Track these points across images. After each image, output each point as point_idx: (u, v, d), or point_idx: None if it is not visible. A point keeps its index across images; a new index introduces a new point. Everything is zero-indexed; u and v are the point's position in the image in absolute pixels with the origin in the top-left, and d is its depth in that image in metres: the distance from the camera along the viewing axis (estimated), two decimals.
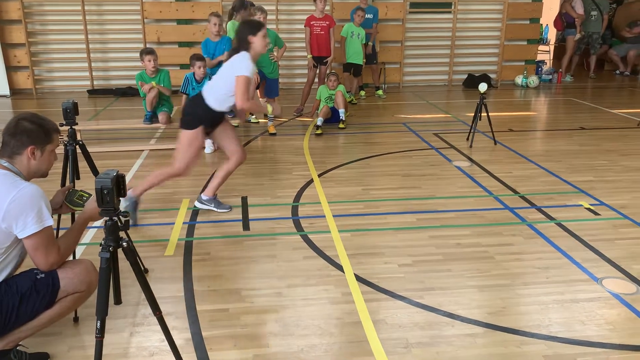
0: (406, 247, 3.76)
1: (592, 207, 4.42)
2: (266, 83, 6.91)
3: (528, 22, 10.59)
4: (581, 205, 4.47)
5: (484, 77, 10.24)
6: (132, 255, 2.21)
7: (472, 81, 10.27)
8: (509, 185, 4.96)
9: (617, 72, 12.13)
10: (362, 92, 9.46)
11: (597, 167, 5.48)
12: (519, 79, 10.43)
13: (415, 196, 4.73)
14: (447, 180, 5.14)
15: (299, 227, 4.09)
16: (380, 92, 9.61)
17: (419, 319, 2.91)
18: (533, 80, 10.32)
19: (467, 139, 6.37)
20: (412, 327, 2.83)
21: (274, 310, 3.00)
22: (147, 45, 9.06)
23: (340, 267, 3.45)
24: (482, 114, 6.21)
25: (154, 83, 5.92)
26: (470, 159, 5.76)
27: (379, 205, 4.53)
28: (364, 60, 8.64)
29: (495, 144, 6.33)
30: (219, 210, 4.34)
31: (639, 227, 4.06)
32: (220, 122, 4.16)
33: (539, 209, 4.39)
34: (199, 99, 4.05)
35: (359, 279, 3.31)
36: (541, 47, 11.52)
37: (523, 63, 10.71)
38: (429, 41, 10.52)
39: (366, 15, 8.57)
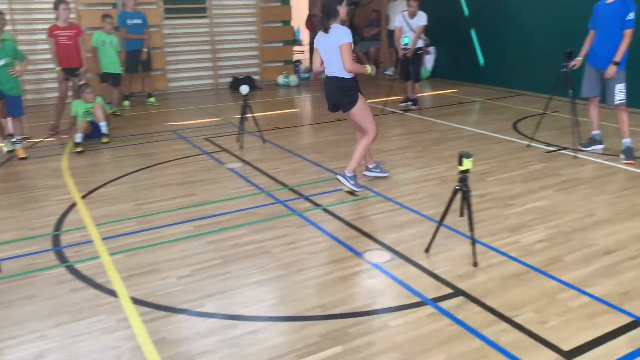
0: (184, 257, 3.67)
1: (350, 190, 4.87)
2: (6, 101, 6.09)
3: (281, 24, 11.23)
4: (341, 189, 4.90)
5: (248, 79, 10.57)
6: None
7: (237, 84, 10.48)
8: (279, 180, 5.20)
9: None
10: (127, 102, 8.99)
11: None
12: (281, 79, 11.01)
13: (191, 204, 4.66)
14: (222, 183, 5.17)
15: (62, 258, 3.69)
16: (152, 99, 9.30)
17: (201, 328, 2.86)
18: (293, 79, 10.99)
19: (237, 140, 6.50)
20: (194, 338, 2.78)
21: (38, 355, 2.66)
22: None
23: (113, 293, 3.22)
24: (247, 115, 6.40)
25: None
26: (242, 160, 5.89)
27: (153, 219, 4.35)
28: (123, 68, 8.21)
29: (264, 142, 6.58)
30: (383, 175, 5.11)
31: (388, 201, 4.61)
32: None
33: (307, 198, 4.69)
34: (339, 81, 4.58)
35: (135, 301, 3.12)
36: (297, 48, 12.34)
37: (282, 64, 11.33)
38: (190, 46, 10.47)
39: (135, 21, 8.60)
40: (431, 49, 11.52)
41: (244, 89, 6.29)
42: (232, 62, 10.86)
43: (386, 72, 12.18)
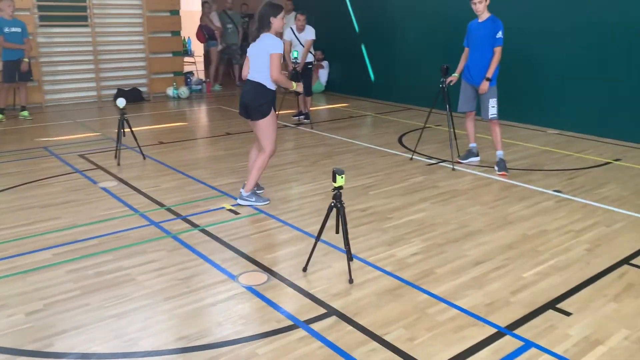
0: (37, 290, 3.30)
1: (233, 208, 4.70)
2: None
3: (170, 34, 10.84)
4: (223, 207, 4.71)
5: (134, 91, 10.08)
6: None
7: (122, 96, 9.91)
8: (156, 199, 4.91)
9: None
10: (1, 116, 8.27)
11: (239, 169, 5.90)
12: (170, 91, 10.61)
13: (54, 228, 4.25)
14: (92, 204, 4.78)
15: None
16: (25, 113, 8.56)
17: None
18: (184, 91, 10.64)
19: (115, 157, 6.10)
20: None
21: None
22: None
23: None
24: (125, 130, 6.03)
25: None
26: (118, 178, 5.52)
27: (6, 247, 3.90)
28: None
29: (144, 158, 6.23)
30: (259, 204, 4.74)
31: (271, 218, 4.49)
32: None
33: (184, 219, 4.46)
34: (259, 87, 4.48)
35: None
36: (188, 59, 11.98)
37: (172, 75, 10.93)
38: (70, 56, 9.80)
39: (13, 29, 8.13)
40: (325, 63, 11.67)
41: (121, 102, 5.92)
42: (117, 73, 10.30)
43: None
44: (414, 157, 6.40)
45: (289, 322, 2.98)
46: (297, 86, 4.76)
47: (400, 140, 7.32)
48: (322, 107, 10.28)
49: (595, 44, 7.32)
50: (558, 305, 3.17)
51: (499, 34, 5.71)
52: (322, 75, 11.66)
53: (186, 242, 4.00)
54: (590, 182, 5.48)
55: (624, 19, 6.98)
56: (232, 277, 3.48)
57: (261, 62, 4.48)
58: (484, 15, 5.79)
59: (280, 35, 4.65)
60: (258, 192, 4.98)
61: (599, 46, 7.28)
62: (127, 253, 3.81)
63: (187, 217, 4.48)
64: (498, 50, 5.73)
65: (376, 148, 6.92)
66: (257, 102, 4.55)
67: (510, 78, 7.29)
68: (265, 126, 4.62)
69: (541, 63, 7.98)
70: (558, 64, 7.78)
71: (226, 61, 12.44)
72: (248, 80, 4.62)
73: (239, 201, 4.76)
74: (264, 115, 4.58)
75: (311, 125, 8.23)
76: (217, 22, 11.76)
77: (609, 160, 6.30)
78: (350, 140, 7.30)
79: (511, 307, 3.14)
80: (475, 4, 5.71)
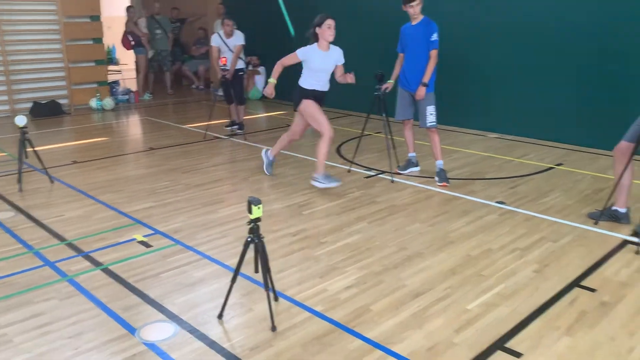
0: None
1: (145, 239, 4.14)
2: None
3: (91, 42, 10.05)
4: (134, 239, 4.14)
5: (52, 104, 9.27)
6: None
7: (39, 110, 9.17)
8: (57, 232, 4.28)
9: (193, 86, 12.86)
10: None
11: (159, 190, 5.32)
12: (94, 102, 9.84)
13: None
14: None
15: None
16: None
17: None
18: (108, 102, 9.89)
19: (18, 181, 5.40)
20: None
21: None
22: None
23: None
24: (28, 149, 5.34)
25: None
26: (17, 207, 4.84)
27: None
28: None
29: (51, 182, 5.55)
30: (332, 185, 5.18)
31: (188, 250, 3.96)
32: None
33: (86, 255, 3.86)
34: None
35: None
36: (112, 68, 11.20)
37: (95, 85, 10.14)
38: None
39: None
40: (261, 69, 11.17)
41: (20, 120, 5.22)
42: (32, 84, 9.43)
43: (217, 93, 11.55)
44: (352, 169, 6.00)
45: None
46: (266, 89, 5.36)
47: (338, 150, 6.91)
48: (258, 115, 9.78)
49: (533, 47, 7.15)
50: (507, 345, 2.80)
51: (434, 37, 5.39)
52: (259, 82, 11.15)
53: (83, 286, 3.42)
54: (533, 191, 5.23)
55: (561, 22, 6.84)
56: (133, 331, 2.94)
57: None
58: (417, 18, 5.46)
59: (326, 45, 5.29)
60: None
61: (537, 49, 7.12)
62: (7, 306, 3.19)
63: (90, 254, 3.88)
64: (434, 53, 5.41)
65: (314, 160, 6.46)
66: (294, 98, 5.42)
67: (447, 82, 7.02)
68: (304, 112, 5.36)
69: (479, 66, 7.77)
70: (496, 67, 7.59)
71: (156, 68, 11.73)
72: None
73: (313, 182, 5.27)
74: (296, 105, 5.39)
75: (245, 136, 7.72)
76: (143, 28, 11.05)
77: (551, 165, 6.10)
78: (287, 152, 6.83)
79: (455, 351, 2.75)
80: (412, 7, 5.37)
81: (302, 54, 5.26)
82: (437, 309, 3.15)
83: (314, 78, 5.33)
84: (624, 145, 4.25)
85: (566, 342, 2.82)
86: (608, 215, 4.43)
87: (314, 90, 5.36)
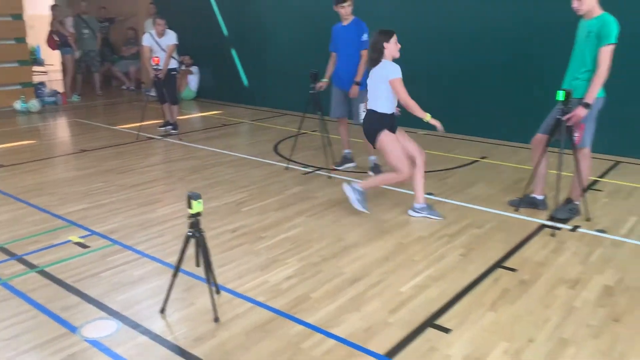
0: None
1: (81, 241, 4.09)
2: None
3: (14, 42, 9.63)
4: (70, 240, 4.08)
5: None
6: None
7: None
8: None
9: (124, 87, 12.56)
10: None
11: (93, 192, 5.23)
12: (18, 105, 9.43)
13: None
14: None
15: None
16: None
17: None
18: (34, 104, 9.51)
19: None
20: None
21: None
22: None
23: None
24: None
25: None
26: None
27: None
28: None
29: None
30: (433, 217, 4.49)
31: (126, 250, 3.94)
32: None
33: (19, 259, 3.77)
34: (371, 113, 4.54)
35: None
36: (37, 68, 10.78)
37: (19, 87, 9.72)
38: None
39: None
40: (194, 68, 11.08)
41: None
42: None
43: (149, 93, 11.34)
44: (289, 166, 6.12)
45: None
46: (434, 122, 4.46)
47: (276, 149, 7.02)
48: (192, 115, 9.71)
49: (458, 50, 7.54)
50: (437, 322, 3.01)
51: (365, 37, 5.61)
52: (192, 81, 11.05)
53: (18, 289, 3.35)
54: (460, 183, 5.55)
55: (483, 27, 7.26)
56: (73, 329, 2.93)
57: (375, 89, 4.53)
58: (349, 18, 5.67)
59: (394, 60, 4.56)
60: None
61: (462, 52, 7.51)
62: None
63: (23, 257, 3.80)
64: (365, 53, 5.62)
65: (251, 158, 6.55)
66: (370, 127, 4.55)
67: None
68: (384, 147, 4.49)
69: (410, 67, 8.08)
70: (426, 68, 7.93)
71: (84, 69, 11.38)
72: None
73: (411, 213, 4.61)
74: (376, 139, 4.51)
75: (179, 137, 7.66)
76: (70, 28, 10.70)
77: (476, 159, 6.48)
78: (223, 152, 6.87)
79: (390, 330, 2.93)
80: (343, 7, 5.56)
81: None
82: (373, 293, 3.33)
83: (393, 100, 4.57)
84: (539, 137, 4.61)
85: (490, 317, 3.07)
86: (527, 203, 4.78)
87: (392, 114, 4.62)
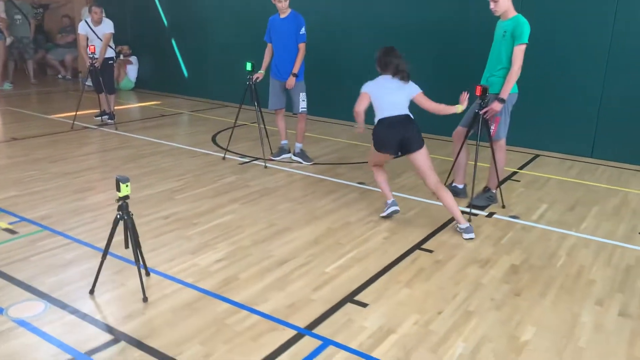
0: None
1: (10, 227, 4.06)
2: None
3: None
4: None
5: None
6: None
7: None
8: None
9: (60, 76, 12.21)
10: None
11: (25, 180, 5.17)
12: None
13: None
14: None
15: None
16: None
17: None
18: None
19: None
20: None
21: None
22: None
23: None
24: None
25: None
26: None
27: None
28: None
29: None
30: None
31: (57, 235, 3.96)
32: None
33: None
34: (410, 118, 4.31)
35: None
36: None
37: None
38: None
39: None
40: (133, 58, 10.92)
41: None
42: None
43: (86, 82, 11.11)
44: (226, 156, 6.22)
45: (67, 356, 2.59)
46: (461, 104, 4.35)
47: (214, 139, 7.09)
48: (130, 105, 9.60)
49: (390, 43, 7.82)
50: (356, 298, 3.23)
51: (303, 30, 5.78)
52: (131, 71, 10.90)
53: None
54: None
55: (418, 23, 7.57)
56: (0, 310, 2.96)
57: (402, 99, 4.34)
58: (286, 11, 5.82)
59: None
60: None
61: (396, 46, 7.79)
62: None
63: None
64: (302, 46, 5.81)
65: (187, 148, 6.60)
66: (417, 131, 4.30)
67: (319, 74, 7.47)
68: (427, 154, 4.33)
69: (345, 61, 8.33)
70: (361, 63, 8.18)
71: (17, 56, 10.99)
72: (395, 116, 4.27)
73: (460, 230, 4.23)
74: (423, 143, 4.30)
75: (116, 126, 7.59)
76: (1, 13, 10.31)
77: None
78: (160, 141, 6.88)
79: (312, 306, 3.13)
80: (281, 1, 5.70)
81: None
82: (299, 274, 3.51)
83: None
84: (460, 130, 4.93)
85: (405, 292, 3.32)
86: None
87: None
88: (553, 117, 6.79)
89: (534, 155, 6.71)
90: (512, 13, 4.54)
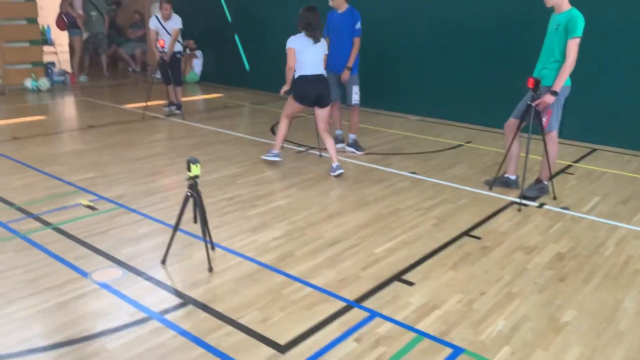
0: None
1: (90, 204, 4.51)
2: None
3: (25, 22, 10.02)
4: (80, 203, 4.51)
5: None
6: None
7: None
8: (5, 198, 4.57)
9: (130, 69, 12.94)
10: None
11: (101, 163, 5.65)
12: (29, 83, 9.84)
13: None
14: None
15: None
16: None
17: None
18: (44, 82, 9.90)
19: None
20: None
21: None
22: None
23: None
24: None
25: None
26: None
27: None
28: None
29: None
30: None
31: (132, 212, 4.37)
32: None
33: (36, 217, 4.20)
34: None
35: None
36: (47, 48, 11.17)
37: (30, 66, 10.12)
38: None
39: None
40: (198, 52, 11.44)
41: None
42: None
43: (155, 76, 11.74)
44: (284, 145, 6.52)
45: (143, 315, 2.95)
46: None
47: (272, 130, 7.42)
48: (196, 97, 10.10)
49: (448, 38, 7.90)
50: (403, 277, 3.44)
51: (358, 25, 5.98)
52: (197, 65, 11.43)
53: (37, 241, 3.78)
54: (442, 163, 5.95)
55: (471, 18, 7.61)
56: (85, 274, 3.36)
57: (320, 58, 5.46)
58: (343, 6, 6.04)
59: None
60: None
61: (451, 41, 7.87)
62: None
63: (39, 216, 4.23)
64: (357, 40, 6.01)
65: (248, 138, 6.96)
66: (328, 89, 5.55)
67: (373, 67, 7.65)
68: (329, 109, 5.64)
69: (402, 54, 8.46)
70: (418, 56, 8.29)
71: (92, 51, 11.76)
72: (317, 75, 5.41)
73: (332, 173, 5.37)
74: (330, 100, 5.64)
75: (183, 116, 8.07)
76: (79, 9, 11.07)
77: (461, 143, 6.87)
78: (223, 131, 7.27)
79: (361, 282, 3.36)
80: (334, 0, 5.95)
81: None
82: (349, 254, 3.75)
83: None
84: (512, 122, 5.00)
85: (450, 275, 3.49)
86: (500, 182, 5.19)
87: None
88: (611, 111, 6.69)
89: (591, 150, 6.64)
90: (567, 6, 4.58)
